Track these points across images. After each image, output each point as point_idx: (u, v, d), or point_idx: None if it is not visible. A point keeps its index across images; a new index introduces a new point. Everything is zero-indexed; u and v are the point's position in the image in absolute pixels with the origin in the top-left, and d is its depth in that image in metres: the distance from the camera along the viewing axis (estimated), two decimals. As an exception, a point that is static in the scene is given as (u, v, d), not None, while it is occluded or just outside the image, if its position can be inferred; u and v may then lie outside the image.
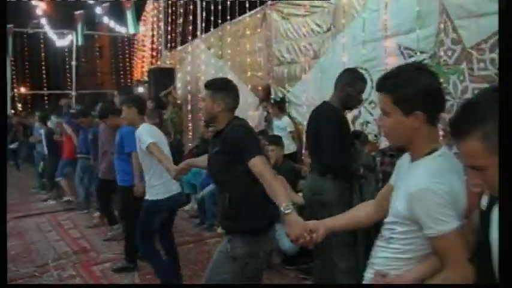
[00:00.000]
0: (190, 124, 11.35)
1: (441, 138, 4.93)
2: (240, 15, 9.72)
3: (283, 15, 7.80)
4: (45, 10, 17.23)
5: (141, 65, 18.05)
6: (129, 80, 20.09)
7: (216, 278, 2.90)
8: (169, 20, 14.42)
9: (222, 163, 2.92)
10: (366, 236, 3.60)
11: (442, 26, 4.88)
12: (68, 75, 20.07)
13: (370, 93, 5.86)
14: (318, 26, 6.95)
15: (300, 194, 5.11)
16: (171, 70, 12.44)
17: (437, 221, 1.67)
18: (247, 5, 9.48)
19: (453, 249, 1.67)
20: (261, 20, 8.58)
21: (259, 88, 8.64)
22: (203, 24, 11.61)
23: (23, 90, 21.45)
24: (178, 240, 6.10)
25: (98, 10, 16.93)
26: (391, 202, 1.94)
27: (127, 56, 20.84)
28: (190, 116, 11.49)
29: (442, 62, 4.89)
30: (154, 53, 16.41)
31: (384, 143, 5.04)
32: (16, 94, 19.34)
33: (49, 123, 9.62)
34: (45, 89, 21.31)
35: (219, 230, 6.13)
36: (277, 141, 6.07)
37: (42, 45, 20.13)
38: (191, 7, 12.60)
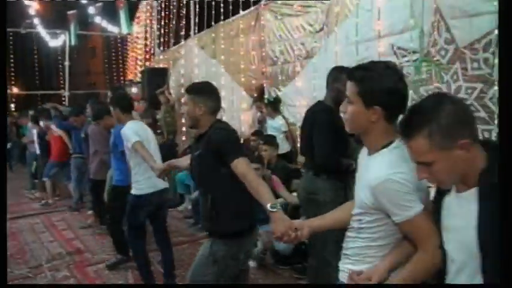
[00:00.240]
0: (183, 124, 11.34)
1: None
2: (233, 15, 9.71)
3: (276, 15, 7.79)
4: (38, 10, 17.15)
5: (134, 65, 18.01)
6: (122, 80, 20.03)
7: (197, 280, 3.00)
8: (163, 20, 14.40)
9: (205, 166, 2.97)
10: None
11: (435, 25, 4.88)
12: (60, 75, 19.98)
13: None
14: (311, 25, 6.95)
15: (295, 194, 5.13)
16: (164, 70, 12.43)
17: (402, 208, 1.78)
18: (240, 5, 9.46)
19: (421, 230, 1.79)
20: (255, 20, 8.57)
21: (253, 88, 8.64)
22: (196, 24, 11.59)
23: (15, 90, 21.35)
24: (173, 241, 6.10)
25: (91, 10, 16.86)
26: (355, 194, 2.05)
27: (120, 56, 20.79)
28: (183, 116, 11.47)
29: (435, 61, 4.90)
30: (147, 53, 16.38)
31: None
32: (9, 94, 19.23)
33: (41, 123, 9.59)
34: (38, 89, 21.22)
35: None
36: (271, 141, 6.09)
37: (35, 45, 20.05)
38: (184, 7, 12.59)
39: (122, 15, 16.30)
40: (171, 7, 13.74)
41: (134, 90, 13.27)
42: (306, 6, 7.03)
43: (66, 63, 19.03)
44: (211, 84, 3.35)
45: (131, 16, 16.82)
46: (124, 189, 4.94)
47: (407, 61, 5.21)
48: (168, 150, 7.68)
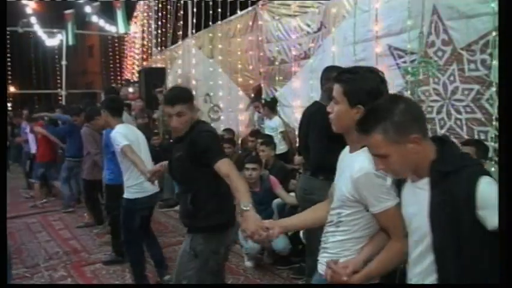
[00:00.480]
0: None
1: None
2: (231, 15, 9.74)
3: (274, 15, 7.81)
4: (35, 9, 17.12)
5: (132, 65, 18.00)
6: (119, 80, 20.01)
7: (182, 275, 3.08)
8: (160, 19, 14.39)
9: (187, 166, 3.04)
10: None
11: (432, 26, 4.90)
12: (57, 74, 19.95)
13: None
14: (309, 26, 6.97)
15: (292, 194, 5.13)
16: (162, 70, 12.42)
17: (380, 199, 1.96)
18: (238, 5, 9.47)
19: (395, 222, 1.96)
20: (252, 20, 8.59)
21: (250, 88, 8.65)
22: (194, 24, 11.59)
23: (12, 89, 21.29)
24: (171, 241, 6.14)
25: (88, 9, 16.84)
26: (335, 190, 2.21)
27: (117, 55, 20.78)
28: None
29: (433, 62, 4.91)
30: (144, 53, 16.37)
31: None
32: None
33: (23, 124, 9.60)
34: (35, 88, 21.18)
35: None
36: (268, 141, 6.10)
37: (32, 45, 20.02)
38: (182, 7, 12.59)
39: (119, 15, 16.30)
40: (169, 7, 13.72)
41: (131, 89, 13.26)
42: (304, 7, 7.05)
43: (63, 62, 19.02)
44: (186, 87, 3.51)
45: (128, 15, 16.82)
46: (117, 187, 4.96)
47: (405, 62, 5.23)
48: (165, 151, 7.67)
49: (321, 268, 2.23)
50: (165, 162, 3.71)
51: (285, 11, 7.52)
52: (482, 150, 3.92)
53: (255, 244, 4.95)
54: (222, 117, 9.99)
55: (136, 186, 4.49)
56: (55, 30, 18.75)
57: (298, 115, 4.20)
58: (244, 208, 2.54)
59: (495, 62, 4.15)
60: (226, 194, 2.92)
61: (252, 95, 8.50)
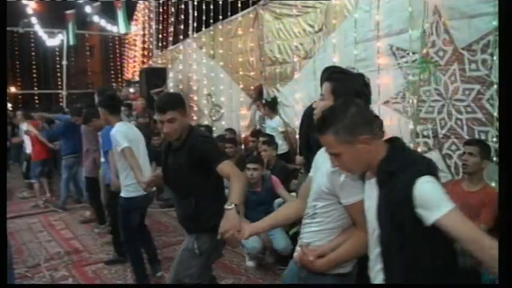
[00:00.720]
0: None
1: (431, 140, 5.00)
2: (232, 14, 9.73)
3: (275, 15, 7.81)
4: (35, 9, 17.10)
5: (133, 65, 17.99)
6: (120, 80, 20.00)
7: (184, 273, 3.16)
8: (161, 19, 14.37)
9: (188, 173, 3.12)
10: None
11: (433, 26, 4.90)
12: (58, 74, 19.93)
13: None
14: (310, 26, 6.97)
15: (293, 194, 5.14)
16: (163, 70, 12.42)
17: (350, 193, 2.15)
18: (239, 5, 9.47)
19: (360, 214, 2.13)
20: (253, 19, 8.58)
21: (252, 88, 8.65)
22: (195, 24, 11.58)
23: (13, 89, 21.30)
24: (171, 240, 6.15)
25: (89, 9, 16.82)
26: (312, 185, 2.40)
27: (118, 55, 20.75)
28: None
29: (434, 62, 4.91)
30: (145, 53, 16.35)
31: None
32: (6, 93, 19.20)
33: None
34: (36, 88, 21.17)
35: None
36: (270, 141, 6.10)
37: (32, 45, 20.00)
38: (183, 6, 12.58)
39: (120, 15, 16.27)
40: (170, 7, 13.71)
41: (131, 90, 13.27)
42: (305, 7, 7.04)
43: (64, 62, 19.00)
44: (178, 93, 3.78)
45: (129, 15, 16.79)
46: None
47: (406, 62, 5.23)
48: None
49: (295, 255, 2.46)
50: (158, 172, 3.79)
51: (286, 11, 7.52)
52: (485, 150, 3.92)
53: (257, 244, 4.96)
54: (223, 118, 9.98)
55: (134, 185, 4.49)
56: (56, 31, 18.72)
57: (299, 115, 4.20)
58: (227, 207, 2.65)
59: (496, 61, 4.16)
60: (224, 195, 3.09)
61: (254, 95, 8.50)
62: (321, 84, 3.95)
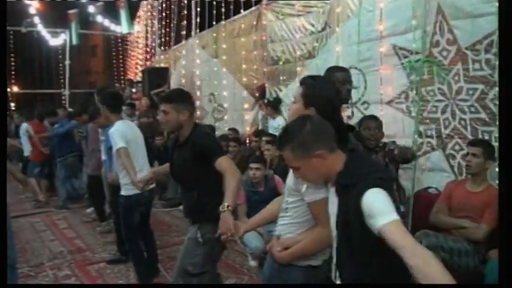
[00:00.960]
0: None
1: (435, 140, 5.00)
2: (235, 14, 9.73)
3: (278, 15, 7.81)
4: (38, 9, 17.11)
5: (135, 65, 18.01)
6: (122, 80, 20.01)
7: (188, 261, 3.31)
8: (164, 19, 14.37)
9: (190, 167, 3.28)
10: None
11: (437, 26, 4.90)
12: (61, 74, 19.94)
13: (363, 93, 5.89)
14: (313, 26, 6.97)
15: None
16: (166, 69, 12.41)
17: (312, 191, 2.28)
18: (242, 5, 9.47)
19: (322, 212, 2.27)
20: (256, 19, 8.59)
21: (254, 88, 8.65)
22: (198, 24, 11.58)
23: (16, 89, 21.33)
24: (174, 240, 6.15)
25: (92, 9, 16.83)
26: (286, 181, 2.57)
27: (121, 55, 20.75)
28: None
29: (437, 62, 4.90)
30: (148, 53, 16.36)
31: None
32: (9, 93, 19.20)
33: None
34: (39, 88, 21.21)
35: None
36: (273, 140, 6.09)
37: (35, 44, 20.03)
38: (185, 6, 12.58)
39: (123, 15, 16.28)
40: (172, 6, 13.72)
41: (134, 89, 13.28)
42: (308, 6, 7.05)
43: (67, 62, 19.01)
44: (186, 91, 3.74)
45: (132, 15, 16.80)
46: (119, 185, 4.94)
47: (409, 61, 5.22)
48: (168, 151, 7.68)
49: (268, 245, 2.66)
50: (156, 169, 4.10)
51: (289, 11, 7.53)
52: (488, 150, 3.91)
53: (260, 244, 4.95)
54: (226, 117, 9.99)
55: (131, 183, 4.43)
56: (59, 30, 18.74)
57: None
58: (221, 209, 2.85)
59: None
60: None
61: (257, 95, 8.50)
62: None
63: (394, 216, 1.81)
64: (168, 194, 8.64)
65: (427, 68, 4.94)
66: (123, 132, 4.46)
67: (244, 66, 9.12)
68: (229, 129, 8.66)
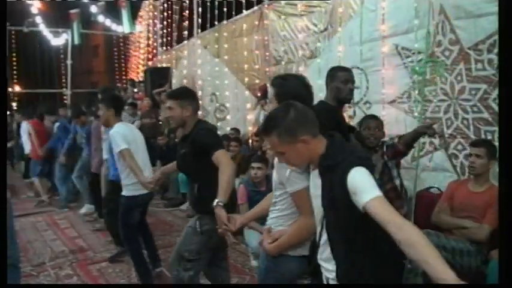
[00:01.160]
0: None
1: (438, 139, 4.99)
2: (237, 14, 9.73)
3: (280, 14, 7.81)
4: (40, 8, 17.12)
5: (137, 64, 18.00)
6: (124, 80, 20.01)
7: (185, 248, 3.51)
8: (165, 18, 14.37)
9: (191, 161, 3.47)
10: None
11: (439, 26, 4.89)
12: (63, 74, 19.95)
13: (365, 93, 5.89)
14: (315, 25, 6.96)
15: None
16: (167, 69, 12.39)
17: (293, 182, 2.46)
18: (244, 5, 9.47)
19: (304, 201, 2.43)
20: (258, 19, 8.59)
21: (256, 88, 8.64)
22: (199, 23, 11.57)
23: (17, 88, 21.34)
24: (175, 240, 6.11)
25: (93, 9, 16.84)
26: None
27: (122, 55, 20.76)
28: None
29: (440, 62, 4.90)
30: (150, 53, 16.35)
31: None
32: (11, 93, 19.21)
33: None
34: (40, 87, 21.20)
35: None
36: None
37: (37, 44, 20.03)
38: (187, 6, 12.58)
39: (125, 14, 16.28)
40: (174, 6, 13.71)
41: (135, 89, 13.28)
42: (310, 6, 7.04)
43: (69, 62, 19.00)
44: (190, 89, 4.04)
45: (134, 15, 16.80)
46: (115, 183, 5.05)
47: (412, 61, 5.22)
48: (170, 151, 7.70)
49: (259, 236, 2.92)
50: (164, 168, 4.19)
51: (291, 11, 7.52)
52: (491, 150, 3.89)
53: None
54: (228, 117, 9.98)
55: (135, 184, 4.55)
56: (60, 30, 18.72)
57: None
58: (214, 205, 3.01)
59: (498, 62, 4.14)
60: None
61: (259, 95, 8.50)
62: (327, 84, 3.97)
63: (377, 192, 1.94)
64: (169, 194, 8.65)
65: (430, 68, 4.94)
66: (123, 134, 4.53)
67: (246, 66, 9.11)
68: (231, 129, 8.66)
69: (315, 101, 4.19)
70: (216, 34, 10.33)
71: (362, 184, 1.97)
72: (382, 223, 1.86)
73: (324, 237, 2.25)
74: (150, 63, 15.88)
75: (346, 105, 4.93)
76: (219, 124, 9.94)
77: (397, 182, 4.32)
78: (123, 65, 20.83)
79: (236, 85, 9.50)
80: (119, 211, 4.71)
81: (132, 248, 4.73)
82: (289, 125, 2.17)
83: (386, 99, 5.59)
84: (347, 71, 4.00)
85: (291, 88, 2.63)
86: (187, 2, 12.55)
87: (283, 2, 7.74)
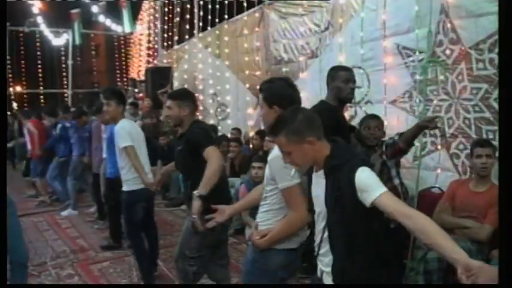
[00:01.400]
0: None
1: (439, 139, 4.99)
2: (237, 14, 9.72)
3: (281, 14, 7.80)
4: (41, 8, 17.13)
5: (138, 64, 18.00)
6: (125, 79, 20.03)
7: (185, 246, 3.63)
8: (166, 18, 14.36)
9: (185, 158, 3.62)
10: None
11: (440, 25, 4.88)
12: (64, 74, 19.97)
13: (367, 93, 5.88)
14: (316, 25, 6.95)
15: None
16: (168, 69, 12.38)
17: (284, 178, 2.58)
18: (245, 4, 9.47)
19: (294, 197, 2.60)
20: (259, 19, 8.58)
21: (257, 87, 8.63)
22: (200, 23, 11.57)
23: (18, 89, 21.36)
24: (177, 240, 6.11)
25: (94, 9, 16.85)
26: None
27: (123, 55, 20.78)
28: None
29: (441, 61, 4.89)
30: (151, 52, 16.34)
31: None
32: (12, 93, 19.22)
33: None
34: (41, 87, 21.22)
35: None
36: (275, 140, 6.09)
37: (38, 44, 20.04)
38: (188, 6, 12.57)
39: (125, 14, 16.31)
40: (175, 6, 13.71)
41: (136, 89, 13.29)
42: (311, 6, 7.03)
43: (69, 62, 19.02)
44: (189, 90, 4.32)
45: (134, 15, 16.82)
46: (118, 180, 5.05)
47: (413, 61, 5.21)
48: (171, 151, 7.70)
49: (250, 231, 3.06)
50: (166, 168, 4.47)
51: (292, 10, 7.51)
52: (495, 150, 3.88)
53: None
54: (228, 117, 9.98)
55: (134, 178, 4.62)
56: (61, 30, 18.74)
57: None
58: (193, 196, 3.25)
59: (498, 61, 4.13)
60: (220, 182, 3.46)
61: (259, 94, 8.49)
62: (328, 84, 3.98)
63: (384, 188, 2.11)
64: (170, 193, 8.65)
65: (431, 68, 4.94)
66: (129, 131, 4.62)
67: (246, 66, 9.11)
68: (233, 129, 8.66)
69: (316, 101, 4.21)
70: (217, 34, 10.32)
71: (370, 182, 2.13)
72: (393, 214, 2.03)
73: (325, 234, 2.35)
74: (150, 63, 15.87)
75: (347, 104, 4.93)
76: (220, 124, 9.93)
77: (397, 181, 4.31)
78: (124, 65, 20.84)
79: (237, 85, 9.50)
80: (122, 208, 4.76)
81: (136, 243, 4.79)
82: (297, 126, 2.28)
83: (387, 98, 5.59)
84: (348, 70, 4.00)
85: (277, 89, 2.80)
86: (188, 2, 12.53)
87: (284, 2, 7.74)
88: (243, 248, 5.46)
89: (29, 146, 9.16)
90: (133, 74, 18.48)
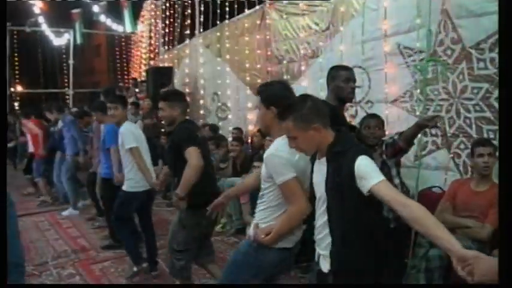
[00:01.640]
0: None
1: (440, 138, 4.98)
2: (238, 14, 9.73)
3: (282, 14, 7.80)
4: (42, 8, 17.14)
5: (139, 64, 18.00)
6: (126, 79, 20.03)
7: (173, 241, 3.81)
8: (167, 18, 14.37)
9: (172, 155, 3.80)
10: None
11: (441, 25, 4.88)
12: (65, 73, 19.99)
13: (367, 93, 5.88)
14: (317, 25, 6.95)
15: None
16: (169, 69, 12.39)
17: (280, 174, 2.67)
18: (246, 4, 9.46)
19: (292, 191, 2.68)
20: (260, 19, 8.58)
21: (258, 87, 8.63)
22: (201, 23, 11.57)
23: (20, 89, 21.38)
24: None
25: (95, 8, 16.87)
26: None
27: (124, 54, 20.79)
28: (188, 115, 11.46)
29: (442, 61, 4.88)
30: (152, 52, 16.35)
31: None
32: (13, 93, 19.23)
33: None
34: (43, 87, 21.25)
35: (217, 227, 6.18)
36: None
37: (39, 44, 20.06)
38: (189, 6, 12.57)
39: (126, 14, 16.31)
40: (176, 6, 13.71)
41: (137, 89, 13.28)
42: (312, 5, 7.03)
43: (71, 61, 19.04)
44: (180, 91, 4.77)
45: (135, 15, 16.82)
46: (111, 180, 5.29)
47: (414, 60, 5.21)
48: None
49: (249, 229, 3.05)
50: (166, 170, 4.62)
51: (293, 10, 7.51)
52: (495, 149, 3.87)
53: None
54: (230, 116, 9.97)
55: (135, 180, 4.77)
56: (62, 30, 18.77)
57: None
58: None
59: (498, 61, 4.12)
60: (206, 178, 3.69)
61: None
62: (328, 83, 3.97)
63: (382, 177, 2.20)
64: (171, 193, 8.64)
65: (432, 67, 4.93)
66: (133, 133, 4.80)
67: (247, 65, 9.10)
68: (234, 128, 8.66)
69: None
70: (218, 33, 10.31)
71: (369, 170, 2.23)
72: (389, 202, 2.12)
73: (324, 218, 2.43)
74: (152, 62, 15.87)
75: (348, 104, 4.92)
76: (220, 123, 9.93)
77: (397, 181, 4.29)
78: (125, 64, 20.86)
79: (238, 84, 9.49)
80: (115, 204, 4.89)
81: (122, 233, 5.00)
82: (305, 113, 2.39)
83: (388, 98, 5.58)
84: (348, 70, 4.00)
85: (274, 91, 2.92)
86: (189, 1, 12.53)
87: (285, 1, 7.74)
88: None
89: (30, 146, 9.15)
90: (134, 74, 18.49)
